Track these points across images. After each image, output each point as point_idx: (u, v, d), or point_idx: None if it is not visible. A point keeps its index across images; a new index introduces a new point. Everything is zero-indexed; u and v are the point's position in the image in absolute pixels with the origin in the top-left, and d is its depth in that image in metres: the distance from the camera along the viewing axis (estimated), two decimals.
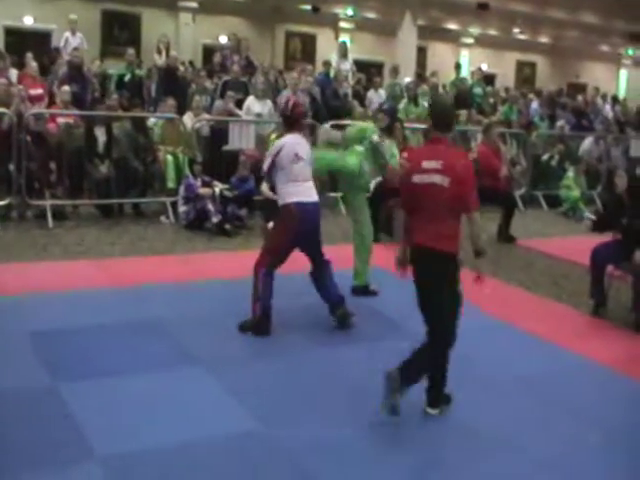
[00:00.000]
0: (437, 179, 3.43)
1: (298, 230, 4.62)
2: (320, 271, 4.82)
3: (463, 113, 11.21)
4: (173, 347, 4.40)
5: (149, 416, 3.51)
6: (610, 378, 4.38)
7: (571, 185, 10.55)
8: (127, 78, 10.22)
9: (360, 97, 11.76)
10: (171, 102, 8.75)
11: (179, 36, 16.78)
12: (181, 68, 11.45)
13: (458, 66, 14.27)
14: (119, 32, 16.69)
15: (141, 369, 4.04)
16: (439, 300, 3.47)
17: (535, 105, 12.84)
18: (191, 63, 14.44)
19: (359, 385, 3.98)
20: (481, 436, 3.52)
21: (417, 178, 3.46)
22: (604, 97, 15.03)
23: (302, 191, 4.61)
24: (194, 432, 3.40)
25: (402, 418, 3.51)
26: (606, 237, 5.75)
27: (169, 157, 8.34)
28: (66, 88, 8.43)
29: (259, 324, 4.63)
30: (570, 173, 10.65)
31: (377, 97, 11.83)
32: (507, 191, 8.69)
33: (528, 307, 5.77)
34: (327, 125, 4.14)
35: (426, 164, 3.46)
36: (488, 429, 3.59)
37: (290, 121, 4.82)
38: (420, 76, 12.70)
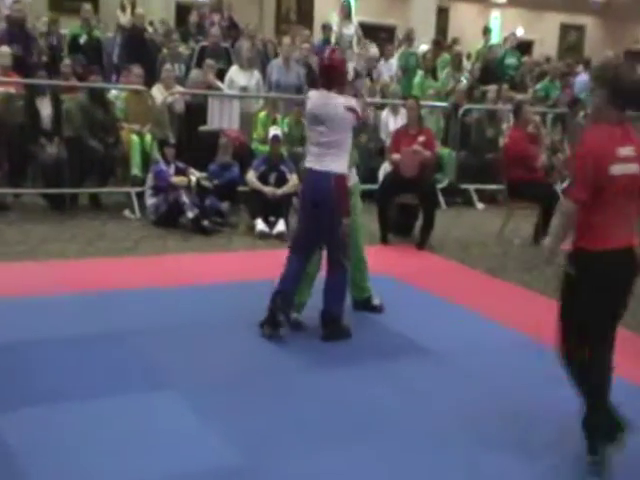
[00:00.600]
0: (635, 169, 3.50)
1: (303, 199, 5.12)
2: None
3: (492, 89, 11.31)
4: (140, 367, 4.45)
5: (111, 452, 3.55)
6: None
7: None
8: (82, 40, 10.30)
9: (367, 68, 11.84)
10: (137, 70, 8.82)
11: None
12: (149, 29, 11.53)
13: (487, 31, 14.39)
14: None
15: (101, 393, 4.08)
16: None
17: (583, 77, 12.93)
18: (162, 23, 14.51)
19: (359, 412, 4.04)
20: None
21: (616, 169, 3.43)
22: None
23: (313, 159, 4.96)
24: (166, 469, 3.45)
25: None
26: None
27: (135, 138, 8.42)
28: (5, 49, 8.49)
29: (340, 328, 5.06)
30: None
31: (387, 68, 11.95)
32: (546, 184, 8.76)
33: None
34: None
35: (622, 151, 3.49)
36: None
37: (324, 73, 5.07)
38: (439, 43, 12.75)
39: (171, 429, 3.79)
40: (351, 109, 4.87)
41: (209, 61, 9.66)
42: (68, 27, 10.96)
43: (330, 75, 4.97)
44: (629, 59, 17.74)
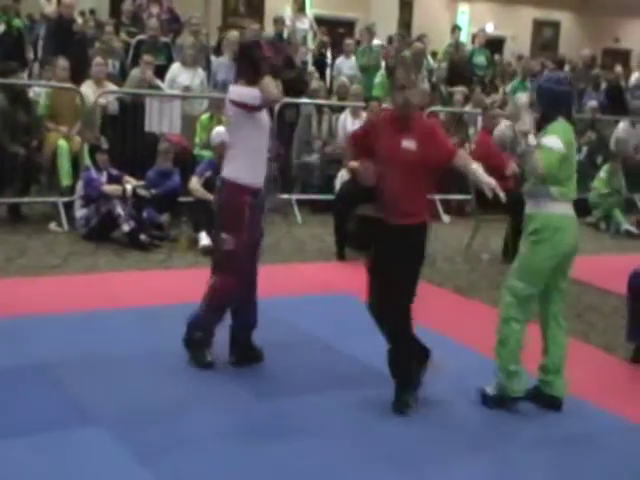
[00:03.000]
0: None
1: None
2: None
3: (459, 90, 11.45)
4: (62, 401, 4.37)
5: None
6: None
7: (604, 187, 10.80)
8: (0, 30, 10.14)
9: (323, 66, 11.93)
10: (63, 63, 8.69)
11: None
12: (79, 20, 11.43)
13: (456, 28, 14.57)
14: None
15: (18, 432, 4.00)
16: None
17: None
18: (92, 13, 14.43)
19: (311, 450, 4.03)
20: None
21: None
22: None
23: None
24: None
25: None
26: None
27: (62, 143, 8.31)
28: None
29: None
30: (603, 172, 10.90)
31: (347, 66, 12.02)
32: (517, 194, 8.87)
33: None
34: None
35: None
36: None
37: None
38: (402, 37, 12.86)
39: (97, 467, 3.74)
40: (236, 102, 4.74)
41: (147, 57, 9.58)
42: None
43: (237, 65, 5.01)
44: (608, 58, 18.19)
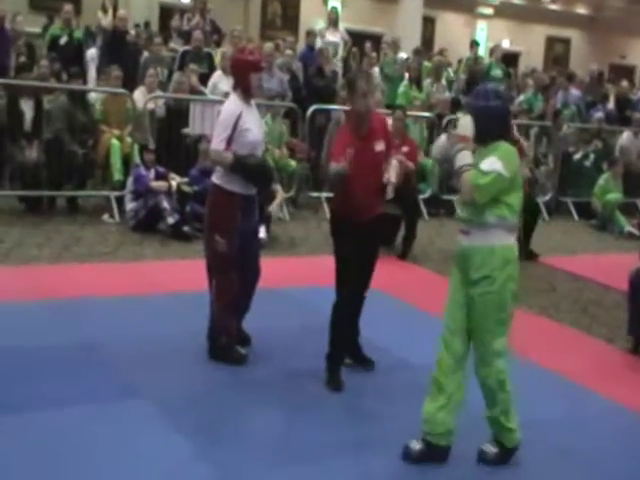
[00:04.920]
0: None
1: None
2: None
3: None
4: (112, 376, 4.43)
5: (83, 460, 3.53)
6: None
7: (606, 191, 10.69)
8: (63, 41, 10.26)
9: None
10: (116, 73, 8.80)
11: None
12: (132, 32, 11.51)
13: (475, 44, 14.47)
14: None
15: (71, 401, 4.06)
16: None
17: (575, 91, 13.04)
18: (147, 25, 14.50)
19: (341, 430, 4.04)
20: None
21: None
22: None
23: None
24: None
25: None
26: None
27: (115, 142, 8.38)
28: None
29: None
30: (602, 179, 10.79)
31: (374, 76, 11.97)
32: (528, 196, 8.82)
33: (550, 339, 5.87)
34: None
35: None
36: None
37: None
38: (419, 52, 12.78)
39: (142, 437, 3.78)
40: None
41: (192, 65, 9.70)
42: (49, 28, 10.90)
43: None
44: (614, 74, 18.01)
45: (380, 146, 4.46)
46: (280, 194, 7.95)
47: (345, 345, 4.67)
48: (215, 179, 4.66)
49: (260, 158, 4.73)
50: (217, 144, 4.55)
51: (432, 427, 3.72)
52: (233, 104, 4.62)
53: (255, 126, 4.66)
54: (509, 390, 3.74)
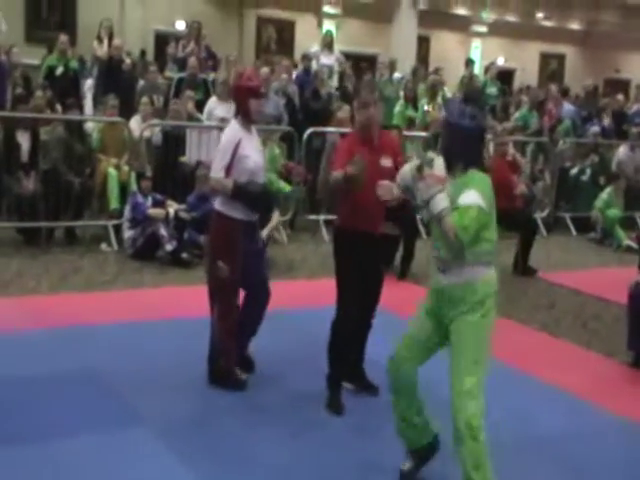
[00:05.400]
0: None
1: None
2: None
3: None
4: (112, 405, 4.42)
5: None
6: None
7: (608, 205, 10.66)
8: (59, 71, 10.31)
9: (346, 97, 11.94)
10: (113, 102, 8.85)
11: (124, 20, 16.91)
12: (127, 61, 11.57)
13: (470, 62, 14.57)
14: (49, 13, 16.64)
15: (73, 432, 4.05)
16: None
17: (568, 106, 13.09)
18: (143, 54, 14.58)
19: (350, 460, 4.01)
20: None
21: None
22: None
23: None
24: None
25: None
26: None
27: (112, 171, 8.41)
28: None
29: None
30: (605, 194, 10.75)
31: None
32: (525, 212, 8.84)
33: (551, 355, 5.87)
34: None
35: None
36: None
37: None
38: (415, 72, 12.86)
39: (145, 467, 3.77)
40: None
41: (188, 92, 9.75)
42: (41, 58, 10.97)
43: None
44: (609, 88, 18.07)
45: (387, 162, 4.43)
46: (275, 217, 7.94)
47: (344, 365, 4.63)
48: (217, 205, 4.68)
49: (261, 184, 4.73)
50: (217, 172, 4.58)
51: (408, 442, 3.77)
52: (232, 131, 4.64)
53: (255, 152, 4.67)
54: (482, 441, 3.34)
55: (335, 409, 4.48)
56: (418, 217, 9.28)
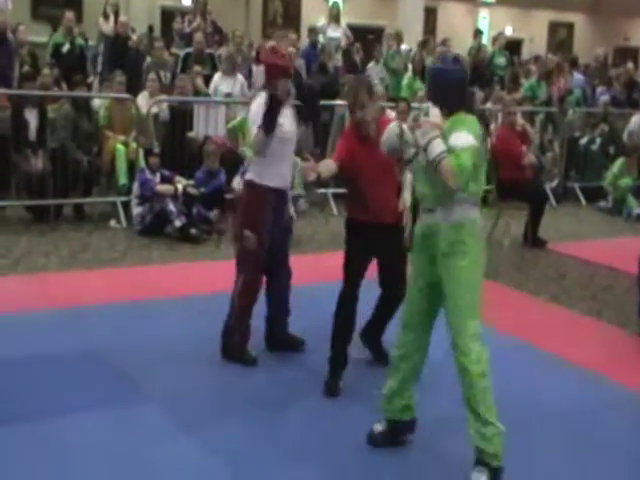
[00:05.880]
0: None
1: None
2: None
3: (479, 95, 11.18)
4: (120, 381, 4.41)
5: (94, 465, 3.51)
6: None
7: (618, 178, 10.52)
8: (65, 49, 10.26)
9: (353, 71, 11.82)
10: (120, 78, 8.80)
11: None
12: (133, 37, 11.48)
13: (479, 32, 14.35)
14: None
15: (82, 408, 4.05)
16: None
17: (578, 76, 12.93)
18: (151, 29, 14.45)
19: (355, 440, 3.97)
20: None
21: None
22: None
23: None
24: None
25: None
26: None
27: (120, 147, 8.37)
28: None
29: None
30: (616, 167, 10.60)
31: (377, 70, 11.91)
32: (535, 183, 8.74)
33: (561, 326, 5.81)
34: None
35: None
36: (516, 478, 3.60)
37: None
38: (425, 43, 12.70)
39: (154, 442, 3.77)
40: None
41: (197, 68, 9.70)
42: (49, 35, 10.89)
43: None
44: (619, 57, 17.84)
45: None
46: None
47: (343, 346, 4.50)
48: (248, 175, 4.70)
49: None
50: (253, 133, 4.54)
51: (389, 408, 3.78)
52: (263, 99, 4.58)
53: (287, 122, 4.61)
54: (489, 383, 3.42)
55: (329, 392, 4.39)
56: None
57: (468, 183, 3.38)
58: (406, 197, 4.49)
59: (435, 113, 3.43)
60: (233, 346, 4.74)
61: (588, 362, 5.02)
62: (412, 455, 3.80)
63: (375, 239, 4.38)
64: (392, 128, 3.65)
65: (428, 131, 3.38)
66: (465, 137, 3.35)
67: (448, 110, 3.46)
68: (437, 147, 3.35)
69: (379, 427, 3.83)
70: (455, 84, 3.53)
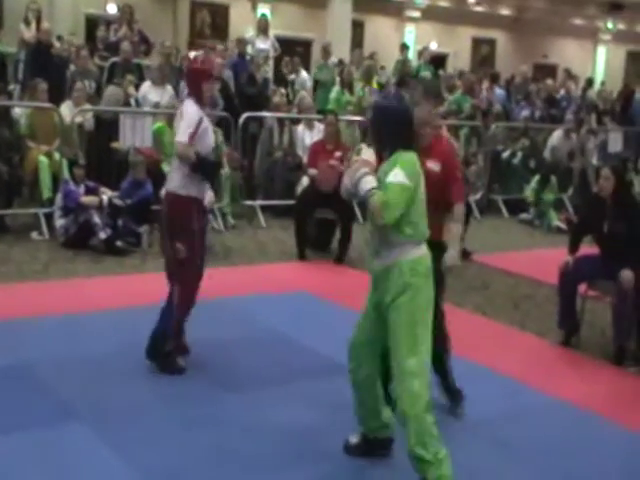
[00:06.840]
0: None
1: None
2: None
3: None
4: (46, 400, 4.30)
5: None
6: (587, 422, 4.52)
7: (536, 193, 10.84)
8: None
9: (281, 82, 11.89)
10: (42, 86, 8.58)
11: (54, 3, 16.44)
12: (56, 44, 11.24)
13: (405, 46, 14.62)
14: None
15: (5, 429, 3.92)
16: None
17: (499, 91, 13.26)
18: (74, 36, 14.17)
19: (281, 440, 3.99)
20: None
21: None
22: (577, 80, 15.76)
23: None
24: None
25: None
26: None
27: (43, 158, 8.17)
28: None
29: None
30: (534, 183, 10.90)
31: (303, 82, 12.00)
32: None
33: (484, 336, 5.93)
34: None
35: None
36: None
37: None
38: (353, 57, 12.87)
39: (82, 463, 3.67)
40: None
41: (130, 77, 9.66)
42: None
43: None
44: (538, 73, 18.45)
45: (433, 165, 4.09)
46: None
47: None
48: (169, 188, 4.68)
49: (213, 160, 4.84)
50: (183, 136, 4.55)
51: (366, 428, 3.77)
52: (194, 107, 4.62)
53: (211, 133, 4.76)
54: (430, 421, 3.34)
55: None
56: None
57: (399, 222, 3.35)
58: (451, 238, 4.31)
59: (368, 153, 3.45)
60: (164, 354, 4.70)
61: (510, 371, 5.14)
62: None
63: None
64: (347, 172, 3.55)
65: (358, 168, 3.39)
66: (397, 174, 3.34)
67: (390, 148, 3.45)
68: (366, 184, 3.35)
69: (354, 439, 3.80)
70: (399, 123, 3.49)
